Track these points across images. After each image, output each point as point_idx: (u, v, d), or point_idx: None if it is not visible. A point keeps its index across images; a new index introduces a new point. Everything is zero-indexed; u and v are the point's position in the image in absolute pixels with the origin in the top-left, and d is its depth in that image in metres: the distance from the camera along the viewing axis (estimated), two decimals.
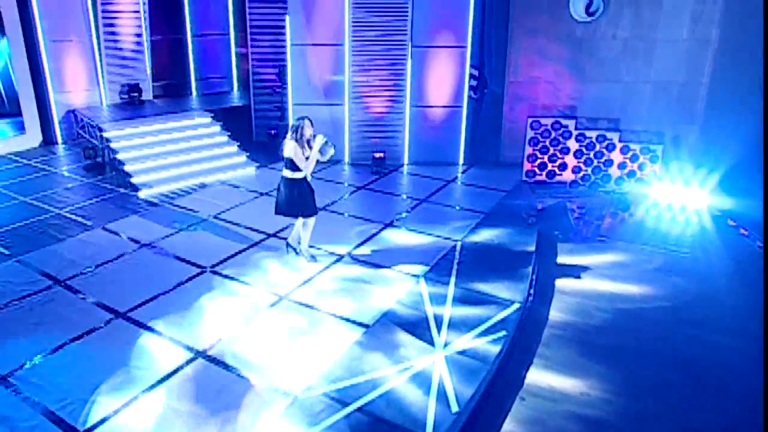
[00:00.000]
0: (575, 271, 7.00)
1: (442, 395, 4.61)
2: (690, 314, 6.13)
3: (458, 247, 7.32)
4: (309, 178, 6.55)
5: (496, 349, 5.21)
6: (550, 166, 10.08)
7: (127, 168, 9.45)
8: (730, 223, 8.44)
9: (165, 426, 4.32)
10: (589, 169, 9.99)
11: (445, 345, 5.27)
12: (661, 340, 5.67)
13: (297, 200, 6.50)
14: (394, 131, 10.71)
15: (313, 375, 4.87)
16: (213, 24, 13.39)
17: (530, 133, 9.98)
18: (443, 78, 10.34)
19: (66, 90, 11.25)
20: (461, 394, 4.61)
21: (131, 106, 11.62)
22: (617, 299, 6.39)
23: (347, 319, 5.72)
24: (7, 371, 4.87)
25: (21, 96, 10.81)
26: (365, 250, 7.26)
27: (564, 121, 9.91)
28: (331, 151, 6.51)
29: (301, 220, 6.77)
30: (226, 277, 6.53)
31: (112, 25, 11.62)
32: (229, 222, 8.05)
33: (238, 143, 10.70)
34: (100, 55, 11.54)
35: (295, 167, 6.36)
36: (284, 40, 10.53)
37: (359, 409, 4.45)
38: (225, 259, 6.93)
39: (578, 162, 10.01)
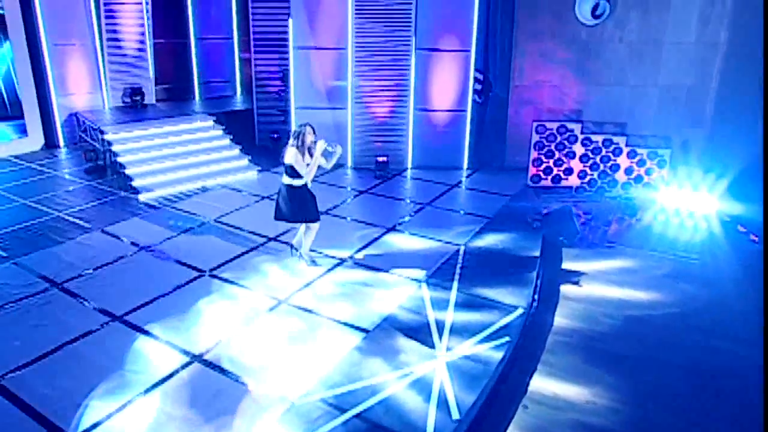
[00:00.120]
0: (581, 277, 6.88)
1: (442, 402, 4.49)
2: (699, 321, 6.00)
3: (461, 252, 7.21)
4: (309, 185, 6.46)
5: (498, 355, 5.09)
6: (555, 171, 9.97)
7: (128, 171, 9.39)
8: (740, 229, 8.28)
9: (158, 431, 4.22)
10: (596, 174, 9.86)
11: (447, 351, 5.15)
12: (670, 348, 5.54)
13: (297, 207, 6.42)
14: (397, 135, 10.62)
15: (311, 380, 4.76)
16: (216, 28, 13.36)
17: (535, 137, 9.86)
18: (447, 82, 10.25)
19: (68, 93, 11.23)
20: (462, 401, 4.49)
21: (133, 109, 11.57)
22: (624, 305, 6.27)
23: (347, 324, 5.61)
24: (0, 373, 4.79)
25: (23, 99, 10.79)
26: (367, 254, 7.16)
27: (570, 125, 9.80)
28: (338, 152, 6.43)
29: (304, 225, 6.68)
30: (225, 280, 6.44)
31: (115, 28, 11.59)
32: (230, 225, 7.97)
33: (240, 147, 10.63)
34: (102, 58, 11.53)
35: (295, 174, 6.28)
36: (287, 44, 10.46)
37: (357, 416, 4.34)
38: (224, 263, 6.84)
39: (584, 166, 9.89)
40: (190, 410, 4.43)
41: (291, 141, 6.25)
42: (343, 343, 5.29)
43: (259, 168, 10.30)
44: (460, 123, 10.47)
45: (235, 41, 13.46)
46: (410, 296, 6.11)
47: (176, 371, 4.88)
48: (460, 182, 10.09)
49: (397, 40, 10.06)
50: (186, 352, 5.13)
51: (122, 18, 11.65)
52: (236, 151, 10.54)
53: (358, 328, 5.53)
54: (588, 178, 9.91)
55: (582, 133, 9.80)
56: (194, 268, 6.69)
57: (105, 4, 11.36)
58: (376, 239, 7.59)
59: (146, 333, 5.42)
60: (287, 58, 10.62)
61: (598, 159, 9.80)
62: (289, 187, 6.34)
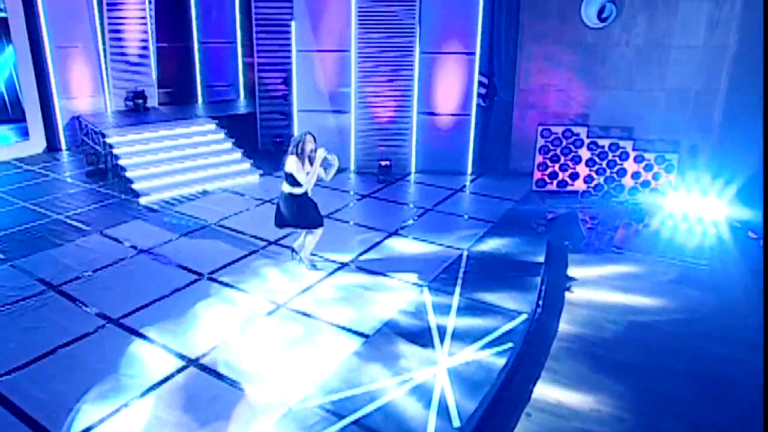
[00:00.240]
0: (586, 283, 6.75)
1: (443, 409, 4.37)
2: (708, 328, 5.85)
3: (464, 257, 7.09)
4: (310, 193, 6.38)
5: (501, 361, 4.97)
6: (561, 176, 9.84)
7: (129, 174, 9.35)
8: (751, 236, 8.13)
9: None
10: (602, 179, 9.73)
11: (449, 356, 5.03)
12: (677, 355, 5.40)
13: (299, 214, 6.35)
14: (400, 139, 10.53)
15: (309, 386, 4.65)
16: (220, 32, 13.33)
17: (541, 142, 9.75)
18: (451, 85, 10.16)
19: (71, 96, 11.23)
20: (464, 409, 4.37)
21: (136, 112, 11.56)
22: (630, 311, 6.13)
23: (346, 329, 5.50)
24: None
25: (25, 101, 10.80)
26: (368, 258, 7.06)
27: (575, 129, 9.68)
28: (335, 164, 6.36)
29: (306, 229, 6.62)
30: (223, 284, 6.35)
31: (118, 31, 11.60)
32: (230, 229, 7.90)
33: (243, 150, 10.58)
34: (105, 61, 11.54)
35: (295, 182, 6.20)
36: (290, 48, 10.41)
37: (355, 422, 4.23)
38: (223, 266, 6.75)
39: (590, 171, 9.76)
40: (185, 415, 4.34)
41: (290, 149, 6.20)
42: (342, 348, 5.18)
43: (261, 172, 10.23)
44: (464, 127, 10.37)
45: (239, 45, 13.43)
46: (412, 301, 6.00)
47: (171, 375, 4.79)
48: (464, 187, 9.99)
49: (400, 42, 9.99)
50: (182, 356, 5.05)
51: (125, 21, 11.65)
52: (238, 154, 10.48)
53: (357, 333, 5.42)
54: (594, 182, 9.78)
55: (588, 137, 9.68)
56: (193, 272, 6.62)
57: (108, 7, 11.37)
58: (377, 243, 7.49)
59: (142, 336, 5.34)
60: (290, 62, 10.56)
61: (604, 163, 9.67)
62: (290, 195, 6.28)
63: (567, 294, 6.46)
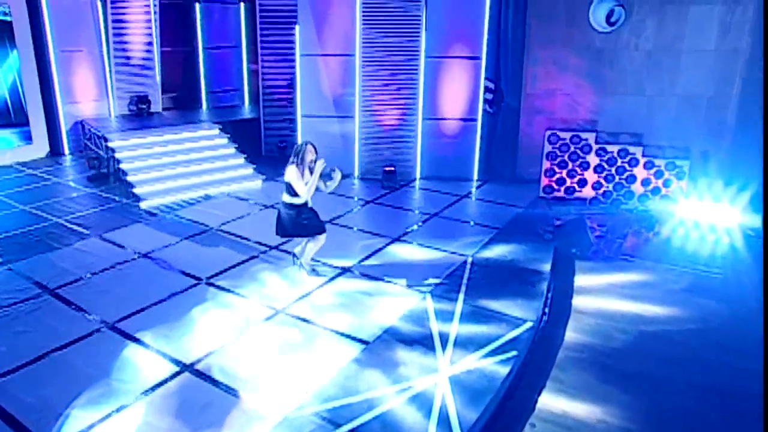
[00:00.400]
0: (594, 290, 6.58)
1: (443, 419, 4.20)
2: (721, 338, 5.66)
3: (469, 263, 6.93)
4: (310, 203, 6.28)
5: (505, 370, 4.79)
6: (568, 182, 9.67)
7: (130, 178, 9.29)
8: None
9: None
10: (611, 185, 9.55)
11: (450, 364, 4.87)
12: (688, 366, 5.22)
13: (298, 224, 6.25)
14: (405, 145, 10.41)
15: (305, 393, 4.51)
16: (225, 37, 13.32)
17: (548, 147, 9.59)
18: (457, 90, 10.04)
19: (75, 101, 11.22)
20: (465, 418, 4.20)
21: (139, 117, 11.52)
22: (640, 321, 5.96)
23: (346, 335, 5.36)
24: None
25: (29, 106, 10.79)
26: (371, 264, 6.92)
27: (584, 135, 9.51)
28: (337, 178, 6.29)
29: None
30: (221, 289, 6.23)
31: (122, 35, 11.59)
32: (231, 233, 7.79)
33: (245, 156, 10.49)
34: (109, 65, 11.52)
35: (295, 192, 6.11)
36: (295, 53, 10.34)
37: (352, 431, 4.08)
38: (222, 271, 6.64)
39: (599, 178, 9.58)
40: (177, 421, 4.23)
41: (291, 158, 6.13)
42: (341, 355, 5.04)
43: (264, 177, 10.13)
44: (470, 132, 10.23)
45: (244, 50, 13.40)
46: (414, 307, 5.85)
47: (165, 381, 4.69)
48: (470, 193, 9.83)
49: (405, 47, 9.89)
50: (176, 362, 4.94)
51: (130, 25, 11.64)
52: (241, 159, 10.40)
53: (357, 340, 5.28)
54: (603, 189, 9.59)
55: (596, 142, 9.51)
56: (191, 276, 6.51)
57: (113, 12, 11.37)
58: (380, 249, 7.35)
59: (137, 341, 5.24)
60: (295, 67, 10.48)
61: (613, 170, 9.49)
62: (290, 205, 6.19)
63: (574, 302, 6.29)
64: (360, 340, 5.26)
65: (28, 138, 10.93)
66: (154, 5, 11.75)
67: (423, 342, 5.21)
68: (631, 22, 9.15)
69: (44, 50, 10.66)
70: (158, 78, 12.11)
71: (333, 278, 6.52)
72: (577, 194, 9.69)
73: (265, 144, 11.87)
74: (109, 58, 11.48)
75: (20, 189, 9.45)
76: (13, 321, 5.50)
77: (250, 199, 9.23)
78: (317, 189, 6.27)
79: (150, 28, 11.78)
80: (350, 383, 4.63)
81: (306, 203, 6.22)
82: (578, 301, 6.32)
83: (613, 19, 9.05)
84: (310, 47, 10.10)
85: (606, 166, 9.52)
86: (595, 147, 9.51)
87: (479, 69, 9.91)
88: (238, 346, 5.19)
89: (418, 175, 10.51)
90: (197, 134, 10.66)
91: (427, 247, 7.44)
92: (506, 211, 8.90)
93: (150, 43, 11.88)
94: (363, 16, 9.76)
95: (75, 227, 7.86)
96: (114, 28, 11.43)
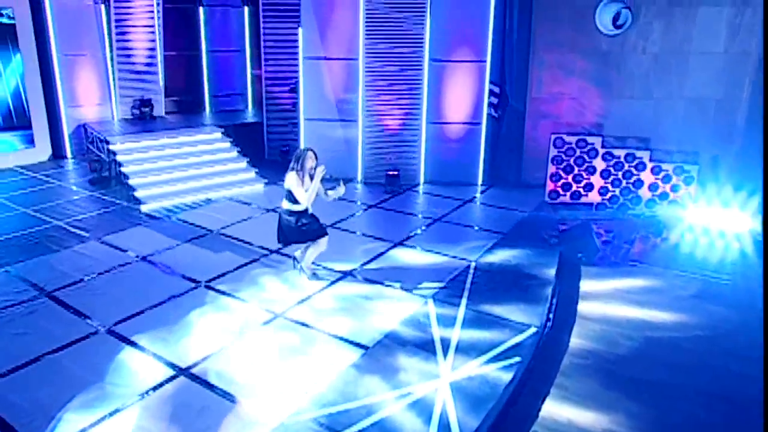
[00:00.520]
0: (600, 296, 6.44)
1: (444, 426, 4.10)
2: (730, 345, 5.52)
3: (472, 268, 6.81)
4: (310, 210, 6.20)
5: (508, 376, 4.67)
6: (574, 187, 9.53)
7: (131, 181, 9.24)
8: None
9: None
10: (617, 190, 9.41)
11: (452, 370, 4.75)
12: (697, 373, 5.09)
13: (299, 231, 6.18)
14: (409, 149, 10.31)
15: (303, 398, 4.42)
16: (228, 40, 13.26)
17: (553, 152, 9.47)
18: (461, 94, 9.93)
19: (78, 104, 11.19)
20: (466, 426, 4.09)
21: (142, 121, 11.48)
22: (647, 327, 5.82)
23: (345, 340, 5.26)
24: None
25: (31, 109, 10.78)
26: (372, 268, 6.82)
27: (590, 139, 9.39)
28: (340, 192, 6.27)
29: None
30: (220, 292, 6.15)
31: (126, 39, 11.57)
32: (231, 237, 7.71)
33: (248, 159, 10.43)
34: (113, 69, 11.50)
35: (295, 199, 6.04)
36: (297, 57, 10.28)
37: None
38: (222, 274, 6.55)
39: (605, 182, 9.45)
40: (171, 426, 4.15)
41: (291, 164, 6.07)
42: (340, 360, 4.94)
43: (266, 181, 10.05)
44: (474, 137, 10.12)
45: (247, 54, 13.36)
46: (415, 312, 5.73)
47: (160, 385, 4.61)
48: (474, 198, 9.71)
49: (409, 50, 9.81)
50: (172, 365, 4.86)
51: (133, 29, 11.61)
52: (243, 163, 10.33)
53: (357, 344, 5.17)
54: (609, 194, 9.46)
55: (603, 147, 9.39)
56: (190, 279, 6.43)
57: (116, 15, 11.35)
58: (382, 253, 7.25)
59: (133, 344, 5.16)
60: (298, 71, 10.43)
61: (620, 174, 9.36)
62: (290, 212, 6.12)
63: (579, 307, 6.17)
64: (360, 345, 5.16)
65: (30, 141, 10.92)
66: (158, 9, 11.72)
67: (424, 347, 5.10)
68: (638, 25, 9.03)
69: (47, 54, 10.66)
70: (161, 82, 12.07)
71: (334, 282, 6.43)
72: (583, 199, 9.55)
73: (268, 148, 11.79)
74: (112, 61, 11.46)
75: (21, 192, 9.42)
76: (8, 324, 5.43)
77: (252, 203, 9.16)
78: (317, 196, 6.20)
79: (153, 32, 11.74)
80: (349, 388, 4.53)
81: (306, 210, 6.14)
82: (584, 307, 6.19)
83: (619, 22, 8.93)
84: (313, 50, 10.04)
85: (613, 171, 9.39)
86: (601, 151, 9.38)
87: (484, 72, 9.81)
88: (235, 350, 5.10)
89: (421, 180, 10.40)
90: (199, 138, 10.62)
91: (430, 251, 7.33)
92: (511, 215, 8.78)
93: (153, 47, 11.84)
94: (366, 19, 9.68)
95: (75, 230, 7.80)
96: (117, 31, 11.40)
